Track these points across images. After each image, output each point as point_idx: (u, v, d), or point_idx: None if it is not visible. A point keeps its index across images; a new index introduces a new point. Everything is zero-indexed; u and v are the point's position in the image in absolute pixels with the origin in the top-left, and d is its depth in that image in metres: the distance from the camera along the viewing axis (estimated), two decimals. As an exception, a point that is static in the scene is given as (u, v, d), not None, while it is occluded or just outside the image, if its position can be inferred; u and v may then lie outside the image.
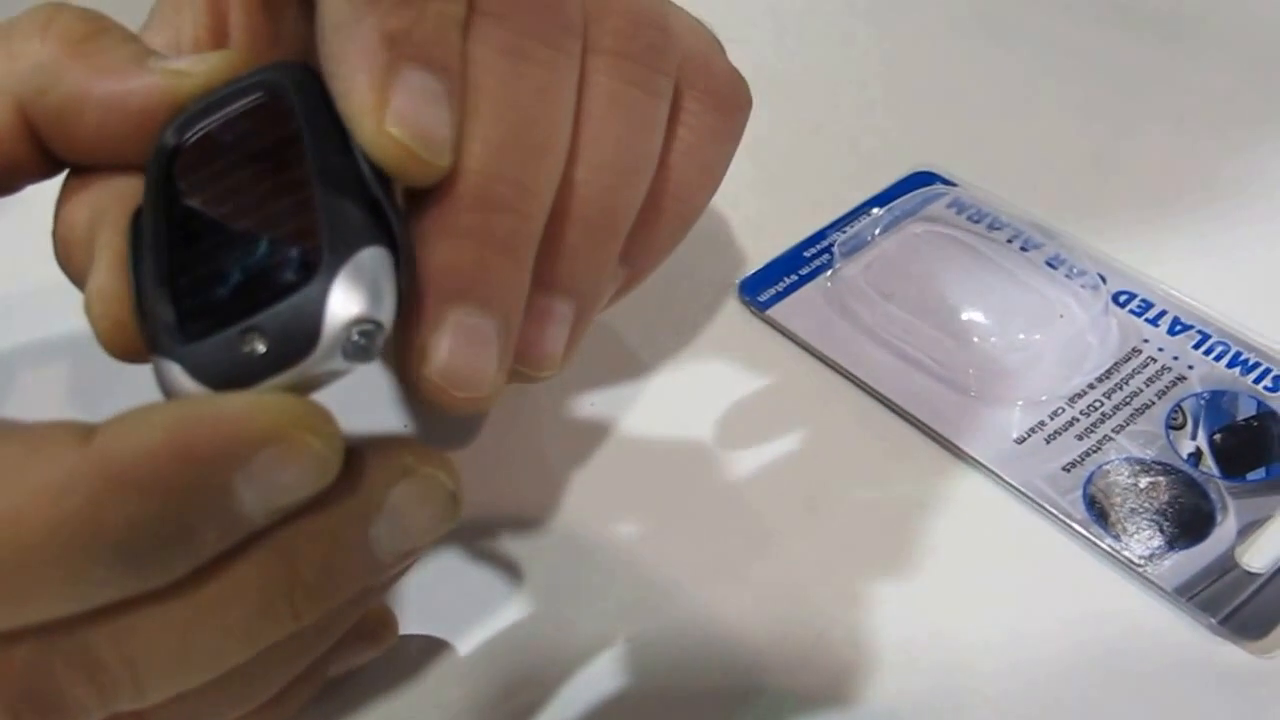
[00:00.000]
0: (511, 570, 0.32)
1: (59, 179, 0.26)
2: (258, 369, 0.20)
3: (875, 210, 0.40)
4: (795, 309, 0.37)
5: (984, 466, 0.33)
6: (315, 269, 0.20)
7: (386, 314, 0.21)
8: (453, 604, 0.31)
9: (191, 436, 0.19)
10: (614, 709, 0.29)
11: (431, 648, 0.30)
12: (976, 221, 0.39)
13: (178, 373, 0.21)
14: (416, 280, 0.22)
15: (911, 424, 0.34)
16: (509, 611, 0.31)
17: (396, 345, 0.23)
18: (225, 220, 0.22)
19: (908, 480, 0.33)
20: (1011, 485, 0.32)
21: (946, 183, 0.41)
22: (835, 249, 0.39)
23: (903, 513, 0.32)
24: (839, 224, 0.40)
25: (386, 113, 0.22)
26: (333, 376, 0.21)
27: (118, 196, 0.24)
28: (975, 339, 0.35)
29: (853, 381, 0.35)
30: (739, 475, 0.33)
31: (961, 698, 0.28)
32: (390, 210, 0.22)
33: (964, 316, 0.35)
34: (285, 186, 0.22)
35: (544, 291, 0.25)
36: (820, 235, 0.40)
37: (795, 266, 0.39)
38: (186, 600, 0.20)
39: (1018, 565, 0.31)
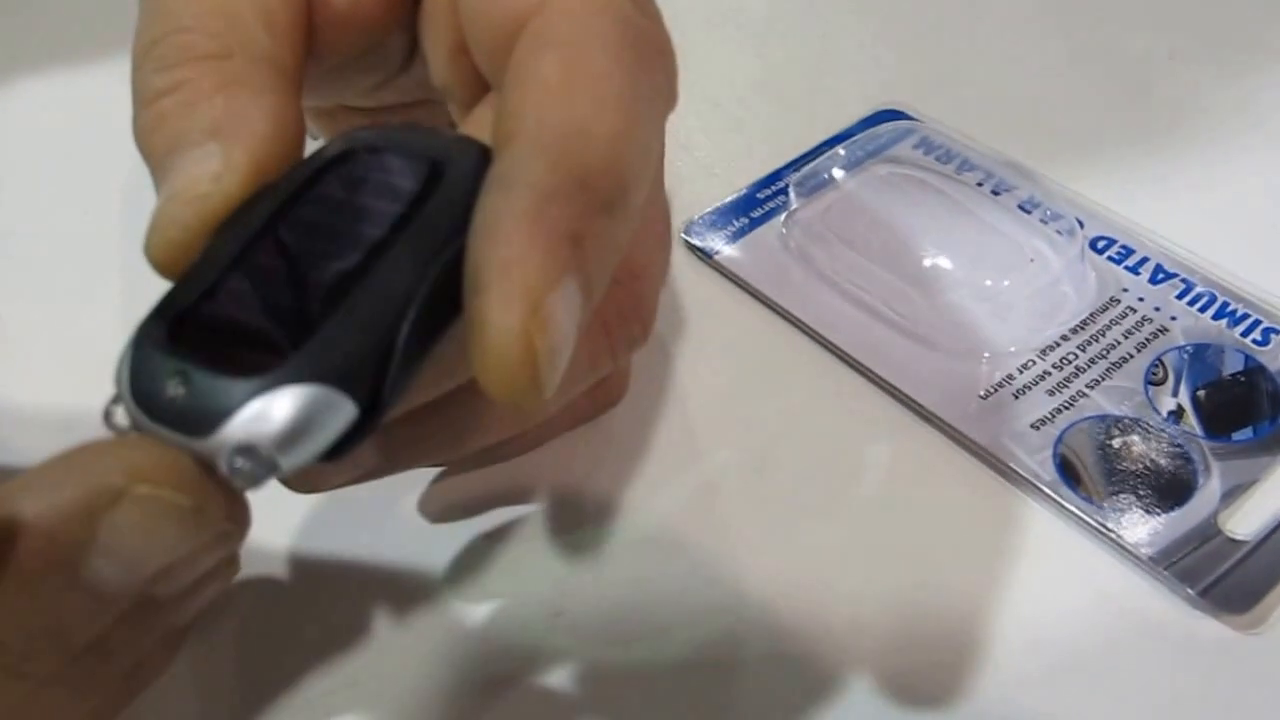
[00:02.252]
0: (445, 533, 0.30)
1: None
2: (163, 412, 0.19)
3: (836, 149, 0.38)
4: (746, 254, 0.35)
5: (946, 424, 0.31)
6: (275, 366, 0.19)
7: (290, 462, 0.19)
8: (392, 585, 0.29)
9: None
10: (546, 678, 0.27)
11: (390, 636, 0.28)
12: (945, 162, 0.37)
13: (121, 363, 0.20)
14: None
15: (869, 378, 0.32)
16: (446, 584, 0.29)
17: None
18: (298, 255, 0.21)
19: (864, 439, 0.31)
20: (975, 444, 0.31)
21: (914, 120, 0.39)
22: (790, 189, 0.37)
23: (857, 474, 0.31)
24: (796, 164, 0.38)
25: (542, 319, 0.18)
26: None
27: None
28: (940, 287, 0.33)
29: (806, 333, 0.34)
30: (680, 432, 0.32)
31: (918, 668, 0.27)
32: (399, 368, 0.19)
33: (928, 264, 0.34)
34: (353, 262, 0.20)
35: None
36: (776, 176, 0.38)
37: (747, 209, 0.37)
38: None
39: (980, 530, 0.29)
